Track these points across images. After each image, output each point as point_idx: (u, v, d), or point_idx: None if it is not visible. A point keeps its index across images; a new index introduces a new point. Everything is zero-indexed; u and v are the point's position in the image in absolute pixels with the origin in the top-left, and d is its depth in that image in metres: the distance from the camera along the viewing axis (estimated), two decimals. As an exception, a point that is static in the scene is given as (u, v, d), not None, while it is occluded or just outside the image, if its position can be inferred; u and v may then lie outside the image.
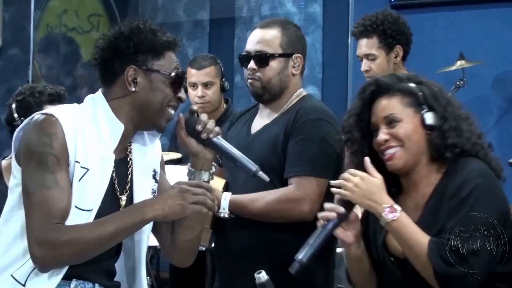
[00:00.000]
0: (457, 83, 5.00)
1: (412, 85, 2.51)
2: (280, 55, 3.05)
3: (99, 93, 2.35)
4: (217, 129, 2.36)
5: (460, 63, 5.03)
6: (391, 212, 2.38)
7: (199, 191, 2.24)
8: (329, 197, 2.87)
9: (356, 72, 5.25)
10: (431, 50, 5.54)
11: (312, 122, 2.98)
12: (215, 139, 2.37)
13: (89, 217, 2.23)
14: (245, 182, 3.00)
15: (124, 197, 2.35)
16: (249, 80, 3.09)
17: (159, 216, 2.23)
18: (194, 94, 4.52)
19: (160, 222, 2.38)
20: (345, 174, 2.45)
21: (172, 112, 2.35)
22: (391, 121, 2.47)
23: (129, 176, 2.36)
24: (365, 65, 4.18)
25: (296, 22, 6.07)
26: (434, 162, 2.48)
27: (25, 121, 2.28)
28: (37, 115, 2.26)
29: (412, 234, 2.36)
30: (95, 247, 2.20)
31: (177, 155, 4.46)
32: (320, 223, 2.46)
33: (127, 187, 2.35)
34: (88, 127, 2.27)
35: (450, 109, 2.49)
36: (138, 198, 2.35)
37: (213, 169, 2.42)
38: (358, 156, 2.54)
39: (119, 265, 2.40)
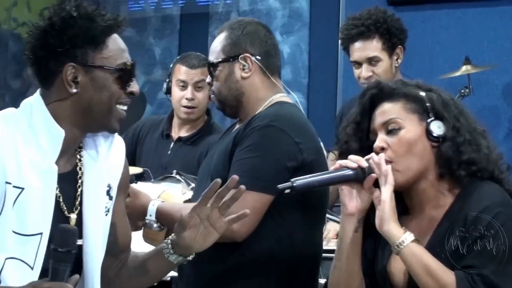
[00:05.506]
0: (462, 91, 4.82)
1: (420, 91, 2.38)
2: (222, 61, 2.87)
3: (37, 95, 2.20)
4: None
5: (465, 68, 4.86)
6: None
7: None
8: (267, 215, 2.73)
9: (347, 76, 5.19)
10: (433, 53, 5.37)
11: (260, 129, 2.76)
12: None
13: (41, 241, 2.09)
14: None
15: (73, 216, 2.20)
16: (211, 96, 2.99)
17: None
18: (182, 96, 4.31)
19: (108, 260, 2.29)
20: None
21: (124, 109, 2.21)
22: (391, 128, 2.35)
23: (79, 190, 2.22)
24: (367, 70, 3.90)
25: (279, 19, 6.31)
26: (444, 181, 2.33)
27: None
28: None
29: (432, 261, 2.22)
30: None
31: (138, 170, 4.17)
32: (335, 166, 2.35)
33: (77, 203, 2.21)
34: (23, 137, 2.12)
35: (463, 120, 2.35)
36: (88, 217, 2.22)
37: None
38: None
39: None
